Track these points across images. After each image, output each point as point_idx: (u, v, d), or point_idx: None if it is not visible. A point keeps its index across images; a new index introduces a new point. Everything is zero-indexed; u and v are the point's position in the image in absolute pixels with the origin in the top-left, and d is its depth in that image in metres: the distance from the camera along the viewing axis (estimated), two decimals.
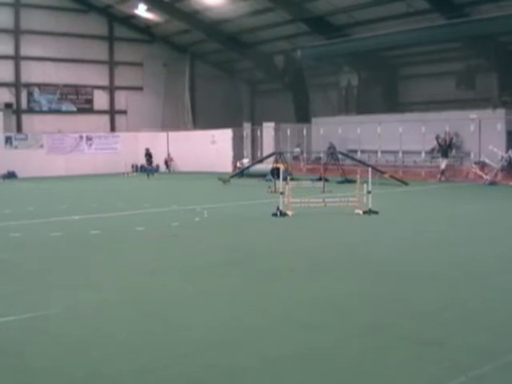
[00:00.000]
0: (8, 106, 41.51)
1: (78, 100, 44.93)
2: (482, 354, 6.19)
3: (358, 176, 18.78)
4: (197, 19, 42.18)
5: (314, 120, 41.31)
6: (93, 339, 6.84)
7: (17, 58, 42.05)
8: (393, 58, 39.80)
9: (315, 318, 7.52)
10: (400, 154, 34.69)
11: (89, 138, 41.76)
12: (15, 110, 42.26)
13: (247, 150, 42.52)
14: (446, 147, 30.65)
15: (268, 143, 41.01)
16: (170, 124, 45.94)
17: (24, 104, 42.83)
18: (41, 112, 43.44)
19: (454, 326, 7.10)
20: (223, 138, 40.57)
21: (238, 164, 39.10)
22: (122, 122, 47.06)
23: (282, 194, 17.57)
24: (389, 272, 10.03)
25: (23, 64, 42.22)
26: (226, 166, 39.01)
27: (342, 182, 28.96)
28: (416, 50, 36.20)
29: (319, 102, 42.44)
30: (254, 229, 15.65)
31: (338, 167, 31.38)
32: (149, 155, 38.20)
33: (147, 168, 38.29)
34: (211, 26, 42.54)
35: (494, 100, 32.48)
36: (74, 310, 7.95)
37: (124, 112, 47.29)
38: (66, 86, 44.12)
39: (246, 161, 39.32)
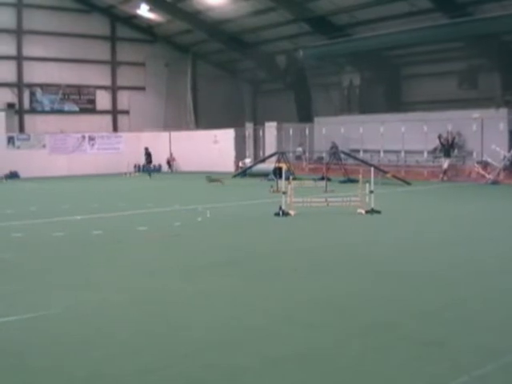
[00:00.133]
0: (10, 106, 41.57)
1: (81, 100, 44.99)
2: (483, 354, 6.18)
3: (361, 175, 18.80)
4: (199, 19, 42.20)
5: (316, 120, 41.29)
6: (94, 339, 6.84)
7: (19, 58, 42.11)
8: (395, 57, 39.75)
9: (315, 317, 7.52)
10: (402, 154, 34.64)
11: (91, 138, 41.79)
12: (17, 110, 42.33)
13: (249, 150, 42.55)
14: (448, 147, 30.65)
15: (270, 143, 41.00)
16: (172, 124, 45.95)
17: (26, 104, 42.90)
18: (43, 112, 43.49)
19: (454, 326, 7.09)
20: (225, 137, 40.59)
21: (241, 164, 39.14)
22: (125, 122, 47.10)
23: (284, 193, 17.56)
24: (389, 272, 10.02)
25: (25, 64, 42.28)
26: (229, 166, 39.06)
27: (344, 182, 28.97)
28: (418, 49, 36.13)
29: (321, 101, 42.40)
30: (256, 229, 15.64)
31: (340, 167, 31.41)
32: (148, 154, 38.10)
33: (147, 168, 38.15)
34: (213, 26, 42.55)
35: (497, 99, 32.41)
36: (75, 310, 7.95)
37: (126, 112, 47.33)
38: (68, 86, 44.17)
39: (248, 160, 39.37)
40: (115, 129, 46.35)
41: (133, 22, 46.07)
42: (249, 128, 43.71)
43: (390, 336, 6.82)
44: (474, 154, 31.23)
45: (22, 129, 42.14)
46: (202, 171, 38.41)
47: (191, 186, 29.26)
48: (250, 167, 36.20)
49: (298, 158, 40.22)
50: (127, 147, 41.90)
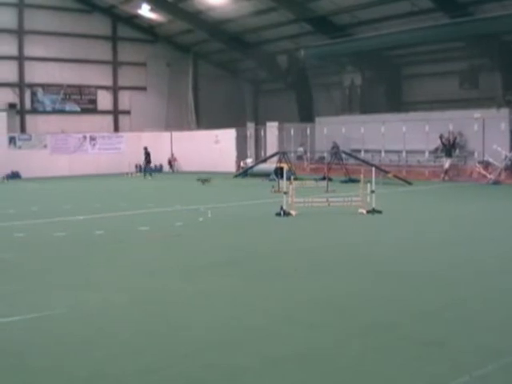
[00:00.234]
0: (12, 106, 41.59)
1: (82, 100, 45.00)
2: (483, 354, 6.18)
3: (362, 175, 18.83)
4: (200, 19, 42.21)
5: (317, 119, 41.30)
6: (94, 339, 6.85)
7: (20, 59, 42.14)
8: (396, 57, 39.76)
9: (315, 317, 7.52)
10: (404, 154, 34.64)
11: (92, 138, 41.83)
12: (19, 111, 42.34)
13: (251, 150, 42.55)
14: (449, 147, 30.64)
15: (271, 143, 41.00)
16: (173, 124, 45.98)
17: (28, 104, 42.90)
18: (44, 112, 43.52)
19: (454, 326, 7.10)
20: (227, 137, 40.61)
21: (242, 164, 39.17)
22: (126, 122, 47.10)
23: (285, 193, 17.57)
24: (389, 272, 10.03)
25: (27, 64, 42.30)
26: (230, 166, 39.09)
27: (345, 182, 28.98)
28: (420, 49, 36.16)
29: (323, 101, 42.46)
30: (257, 229, 15.65)
31: (341, 167, 31.42)
32: (147, 154, 38.03)
33: (145, 167, 38.07)
34: (214, 26, 42.55)
35: (498, 99, 32.41)
36: (76, 311, 7.96)
37: (127, 112, 47.34)
38: (69, 86, 44.18)
39: (249, 160, 39.39)
40: (116, 129, 46.37)
41: (134, 21, 46.08)
42: (250, 128, 43.72)
43: (390, 336, 6.83)
44: (476, 154, 31.22)
45: (23, 129, 42.15)
46: (204, 171, 38.43)
47: (192, 186, 29.25)
48: (252, 167, 36.22)
49: (300, 157, 40.22)
50: (128, 147, 41.90)
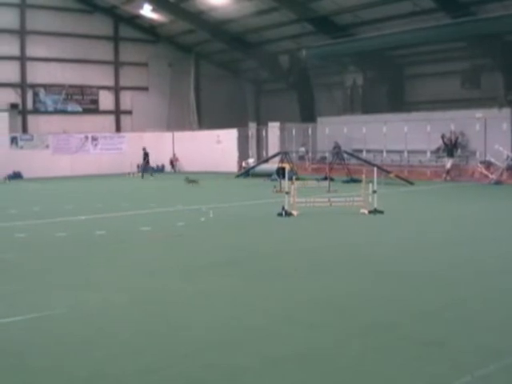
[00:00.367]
0: (14, 106, 41.62)
1: (84, 100, 45.03)
2: (483, 354, 6.18)
3: (364, 175, 18.81)
4: (201, 19, 42.21)
5: (319, 119, 41.30)
6: (95, 339, 6.86)
7: (22, 59, 42.16)
8: (398, 57, 39.72)
9: (315, 318, 7.52)
10: (405, 154, 34.64)
11: (94, 139, 41.84)
12: (21, 111, 42.37)
13: (252, 150, 42.53)
14: (451, 146, 30.61)
15: (273, 143, 41.00)
16: (175, 124, 45.98)
17: (30, 104, 42.94)
18: (46, 112, 43.55)
19: (454, 326, 7.10)
20: (228, 137, 40.59)
21: (244, 164, 39.16)
22: (128, 123, 47.12)
23: (287, 193, 17.58)
24: (390, 272, 10.02)
25: (29, 64, 42.33)
26: (232, 166, 39.07)
27: (347, 182, 28.96)
28: (422, 49, 36.12)
29: (324, 101, 42.46)
30: (259, 229, 15.65)
31: (343, 167, 31.38)
32: (146, 154, 37.96)
33: (144, 167, 37.99)
34: (216, 26, 42.55)
35: (500, 99, 32.38)
36: (76, 311, 7.97)
37: (129, 112, 47.36)
38: (71, 86, 44.21)
39: (251, 160, 39.37)
40: (118, 129, 46.39)
41: (136, 22, 46.10)
42: (252, 128, 43.69)
43: (390, 336, 6.83)
44: (477, 154, 31.21)
45: (25, 129, 42.19)
46: (205, 171, 38.49)
47: (194, 186, 29.24)
48: (253, 167, 36.22)
49: (301, 158, 40.21)
50: (130, 147, 41.84)
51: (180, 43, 48.27)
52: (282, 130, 40.92)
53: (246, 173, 35.76)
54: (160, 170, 43.05)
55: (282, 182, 21.66)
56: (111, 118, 46.72)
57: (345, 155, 32.86)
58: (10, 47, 41.55)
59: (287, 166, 27.43)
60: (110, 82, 46.41)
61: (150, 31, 46.95)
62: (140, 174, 37.62)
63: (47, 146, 39.85)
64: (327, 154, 37.21)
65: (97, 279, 9.81)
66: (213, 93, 47.22)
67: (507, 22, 29.75)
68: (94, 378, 5.76)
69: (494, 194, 24.16)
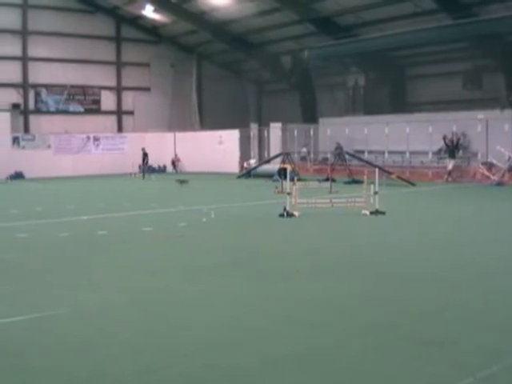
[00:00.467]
0: (15, 106, 41.70)
1: (86, 100, 45.09)
2: (483, 355, 6.17)
3: (365, 176, 18.78)
4: (204, 20, 42.24)
5: (321, 120, 41.31)
6: (95, 339, 6.85)
7: (24, 59, 42.24)
8: (400, 58, 39.72)
9: (315, 318, 7.52)
10: (407, 155, 34.65)
11: (96, 139, 41.88)
12: (23, 111, 42.46)
13: (254, 151, 42.55)
14: (453, 148, 30.61)
15: (275, 144, 40.99)
16: (177, 124, 45.99)
17: (31, 104, 43.02)
18: (48, 112, 43.61)
19: (455, 326, 7.09)
20: (230, 138, 40.60)
21: (245, 164, 39.15)
22: (129, 123, 47.17)
23: (288, 194, 17.55)
24: (391, 273, 10.01)
25: (31, 65, 42.40)
26: (233, 167, 39.07)
27: (349, 183, 28.97)
28: (423, 49, 36.12)
29: (326, 102, 42.45)
30: (260, 229, 15.65)
31: (345, 168, 31.38)
32: (145, 155, 37.92)
33: (144, 168, 37.98)
34: (218, 27, 42.58)
35: (502, 100, 32.37)
36: (76, 311, 7.96)
37: (131, 112, 47.41)
38: (73, 86, 44.27)
39: (253, 161, 39.37)
40: (120, 129, 46.43)
41: (138, 22, 46.16)
42: (253, 129, 43.75)
43: (390, 336, 6.82)
44: (479, 155, 31.21)
45: (27, 129, 42.25)
46: (207, 172, 38.51)
47: (196, 187, 29.25)
48: (255, 168, 36.21)
49: (303, 158, 40.21)
50: (132, 148, 41.81)
51: (182, 44, 48.31)
52: (283, 130, 40.91)
53: (248, 173, 35.76)
54: (162, 170, 43.09)
55: (284, 182, 21.65)
56: (113, 119, 46.77)
57: (346, 156, 32.86)
58: (12, 47, 41.62)
59: (289, 167, 27.51)
60: (112, 83, 46.46)
61: (152, 32, 47.00)
62: (141, 175, 37.61)
63: (49, 146, 39.89)
64: (329, 155, 37.22)
65: (97, 279, 9.81)
66: (215, 93, 47.22)
67: (509, 22, 29.75)
68: (94, 378, 5.75)
69: (496, 195, 24.14)
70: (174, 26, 45.25)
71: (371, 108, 39.39)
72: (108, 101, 46.28)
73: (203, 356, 6.27)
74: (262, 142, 43.28)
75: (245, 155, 40.73)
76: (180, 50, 48.52)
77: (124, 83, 46.79)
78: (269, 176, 31.98)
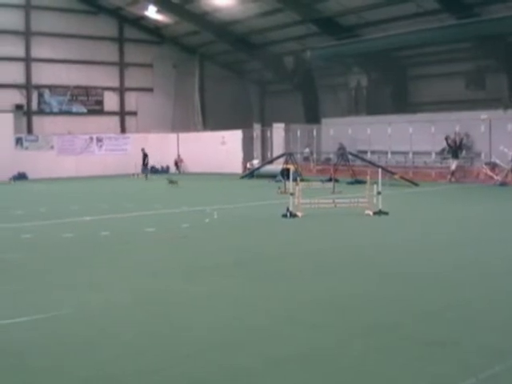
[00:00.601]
0: (19, 107, 41.75)
1: (89, 101, 45.13)
2: (486, 355, 6.15)
3: (368, 177, 18.78)
4: (206, 20, 42.25)
5: (323, 121, 41.29)
6: (97, 340, 6.85)
7: (27, 60, 42.30)
8: (402, 58, 39.70)
9: (318, 318, 7.51)
10: (410, 155, 34.60)
11: (99, 140, 41.95)
12: (26, 112, 42.51)
13: (257, 151, 42.56)
14: (456, 148, 30.59)
15: (278, 144, 40.99)
16: (179, 125, 46.02)
17: (34, 105, 43.06)
18: (51, 113, 43.67)
19: (457, 326, 7.08)
20: (233, 138, 40.64)
21: (248, 165, 39.17)
22: (132, 124, 47.19)
23: (291, 194, 17.54)
24: (394, 273, 10.00)
25: (34, 66, 42.46)
26: (236, 167, 39.10)
27: (352, 183, 28.97)
28: (426, 50, 36.12)
29: (329, 102, 42.43)
30: (264, 230, 15.64)
31: (348, 168, 31.38)
32: (145, 155, 37.90)
33: (143, 168, 37.94)
34: (220, 27, 42.58)
35: (505, 100, 32.33)
36: (78, 311, 7.96)
37: (134, 113, 47.43)
38: (76, 87, 44.31)
39: (255, 162, 39.39)
40: (123, 130, 46.46)
41: (140, 23, 46.21)
42: (256, 129, 43.77)
43: (393, 336, 6.82)
44: (482, 156, 31.15)
45: (30, 130, 42.31)
46: (210, 172, 38.51)
47: (199, 187, 29.27)
48: (258, 168, 36.23)
49: (306, 159, 40.17)
50: (135, 148, 41.82)
51: (185, 44, 48.35)
52: (286, 131, 40.91)
53: (251, 174, 35.77)
54: (165, 171, 43.13)
55: (287, 183, 21.65)
56: (116, 119, 46.81)
57: (349, 156, 32.85)
58: (15, 48, 41.67)
59: (292, 167, 27.52)
60: (115, 83, 46.50)
61: (154, 32, 47.04)
62: (144, 175, 37.63)
63: (52, 147, 39.99)
64: (332, 155, 37.21)
65: (100, 280, 9.81)
66: (217, 94, 47.24)
67: (511, 23, 29.71)
68: (96, 379, 5.75)
69: (499, 196, 24.12)
70: (176, 27, 45.28)
71: (374, 108, 39.37)
72: (111, 101, 46.32)
73: (205, 356, 6.26)
74: (265, 143, 43.27)
75: (248, 156, 40.75)
76: (182, 51, 48.55)
77: (127, 84, 46.83)
78: (272, 176, 31.99)
